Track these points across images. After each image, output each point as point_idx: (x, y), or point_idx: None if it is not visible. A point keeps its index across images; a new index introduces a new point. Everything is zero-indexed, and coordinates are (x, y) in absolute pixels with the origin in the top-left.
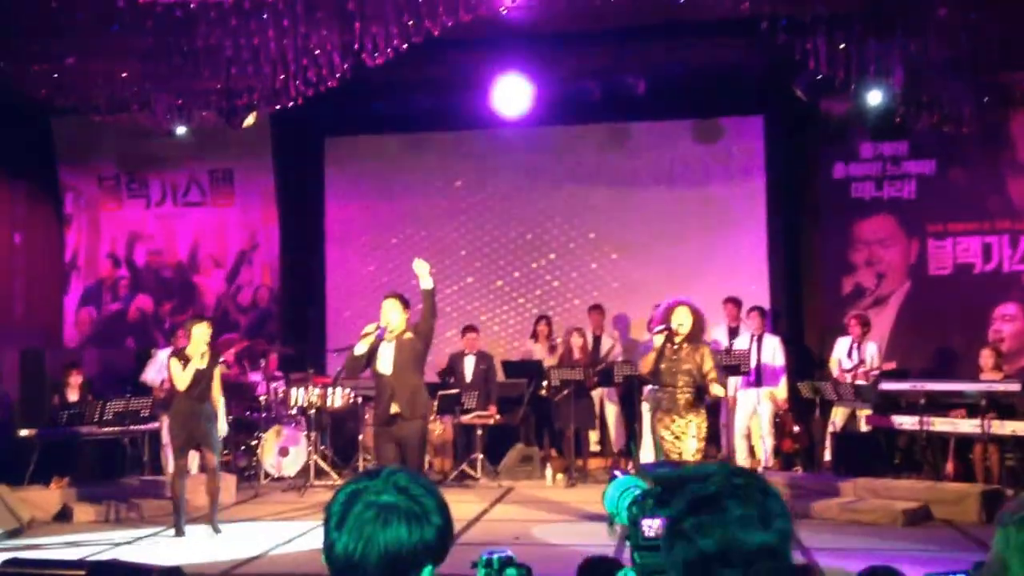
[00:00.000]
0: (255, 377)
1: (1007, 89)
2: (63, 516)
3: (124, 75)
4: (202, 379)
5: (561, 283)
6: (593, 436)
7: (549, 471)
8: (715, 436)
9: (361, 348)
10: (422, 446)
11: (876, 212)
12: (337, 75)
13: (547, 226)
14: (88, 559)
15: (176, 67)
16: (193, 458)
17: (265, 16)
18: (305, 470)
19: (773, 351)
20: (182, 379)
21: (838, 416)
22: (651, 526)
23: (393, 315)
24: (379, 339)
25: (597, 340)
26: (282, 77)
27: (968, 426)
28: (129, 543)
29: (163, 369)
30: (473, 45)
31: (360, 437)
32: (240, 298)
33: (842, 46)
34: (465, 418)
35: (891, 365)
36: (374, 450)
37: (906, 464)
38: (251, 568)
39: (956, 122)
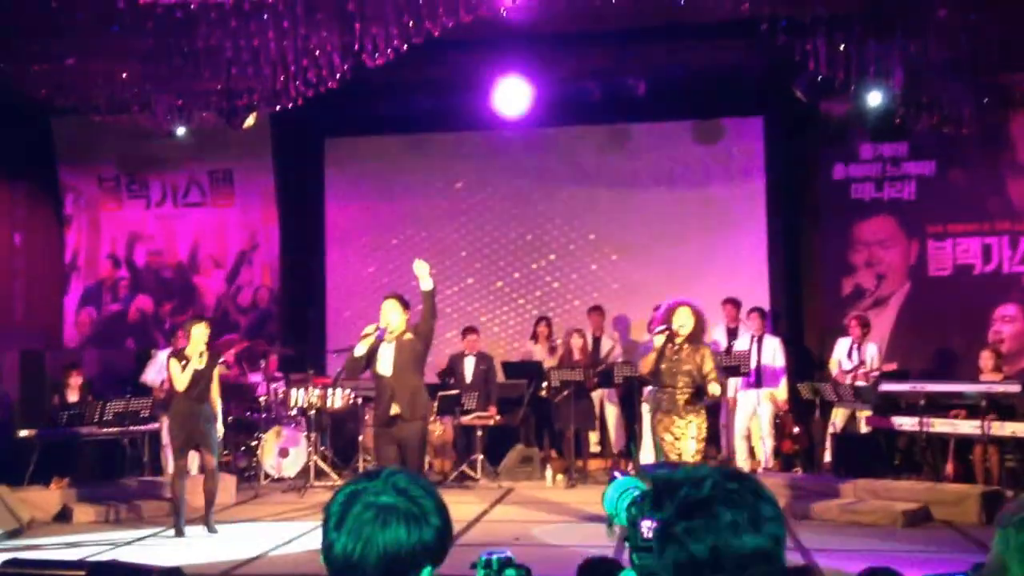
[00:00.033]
0: (255, 378)
1: (1007, 90)
2: (63, 517)
3: (124, 76)
4: (201, 379)
5: (561, 284)
6: (593, 437)
7: (549, 472)
8: (715, 437)
9: (361, 349)
10: (422, 447)
11: (876, 213)
12: (337, 76)
13: (547, 227)
14: (88, 560)
15: (176, 68)
16: (193, 459)
17: (265, 17)
18: (305, 471)
19: (773, 352)
20: (181, 380)
21: (838, 417)
22: (650, 527)
23: (393, 316)
24: (379, 340)
25: (597, 341)
26: (282, 78)
27: (968, 427)
28: (129, 544)
29: (163, 370)
30: (473, 46)
31: (360, 438)
32: (240, 299)
33: (842, 47)
34: (465, 419)
35: (892, 366)
36: (374, 451)
37: (906, 465)
38: (251, 569)
39: (956, 123)
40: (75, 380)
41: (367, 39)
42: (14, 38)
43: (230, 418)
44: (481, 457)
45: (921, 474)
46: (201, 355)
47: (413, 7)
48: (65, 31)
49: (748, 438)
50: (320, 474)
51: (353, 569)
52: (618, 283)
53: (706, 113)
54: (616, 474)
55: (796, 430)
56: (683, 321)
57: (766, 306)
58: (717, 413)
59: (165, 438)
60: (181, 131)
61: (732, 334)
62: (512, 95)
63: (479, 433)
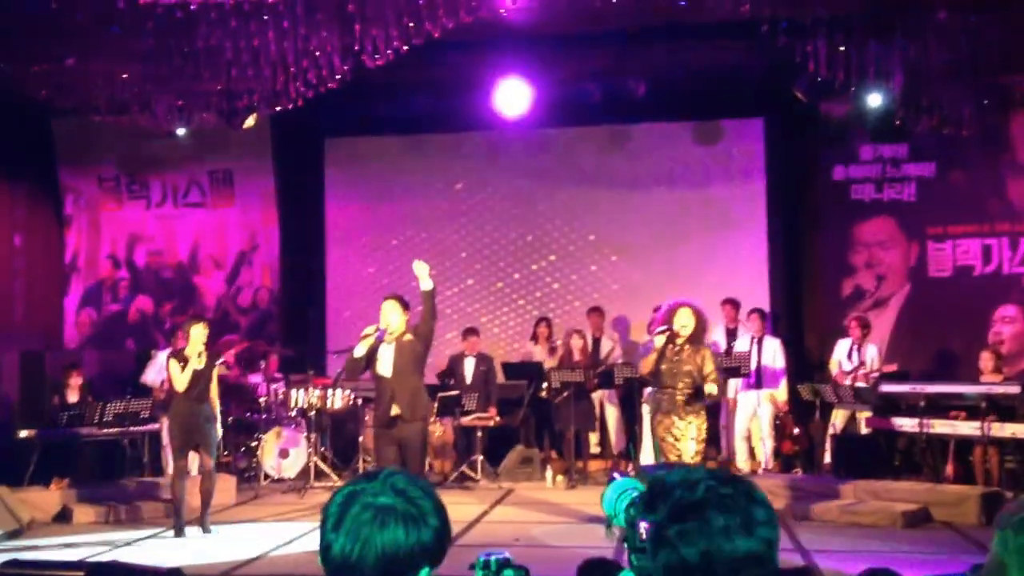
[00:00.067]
0: (255, 378)
1: (1007, 91)
2: (63, 517)
3: (124, 76)
4: (201, 379)
5: (561, 285)
6: (593, 438)
7: (549, 473)
8: (715, 438)
9: (360, 350)
10: (423, 448)
11: (876, 214)
12: (337, 76)
13: (547, 228)
14: (88, 560)
15: (176, 68)
16: (193, 459)
17: (265, 18)
18: (305, 472)
19: (773, 353)
20: (181, 380)
21: (838, 418)
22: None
23: (393, 317)
24: (379, 341)
25: (597, 342)
26: (282, 79)
27: (968, 428)
28: (129, 544)
29: (163, 370)
30: (473, 47)
31: (360, 439)
32: (240, 299)
33: (842, 48)
34: (465, 420)
35: (892, 367)
36: (374, 452)
37: (906, 466)
38: (251, 569)
39: (956, 124)
40: (75, 381)
41: (367, 40)
42: (14, 38)
43: (230, 419)
44: (481, 458)
45: (921, 475)
46: (200, 355)
47: (413, 8)
48: (65, 31)
49: (748, 439)
50: (320, 475)
51: (351, 570)
52: (618, 284)
53: (706, 114)
54: (615, 475)
55: (796, 431)
56: (684, 322)
57: (766, 307)
58: (717, 414)
59: (165, 438)
60: (181, 132)
61: (731, 335)
62: (512, 96)
63: (479, 434)
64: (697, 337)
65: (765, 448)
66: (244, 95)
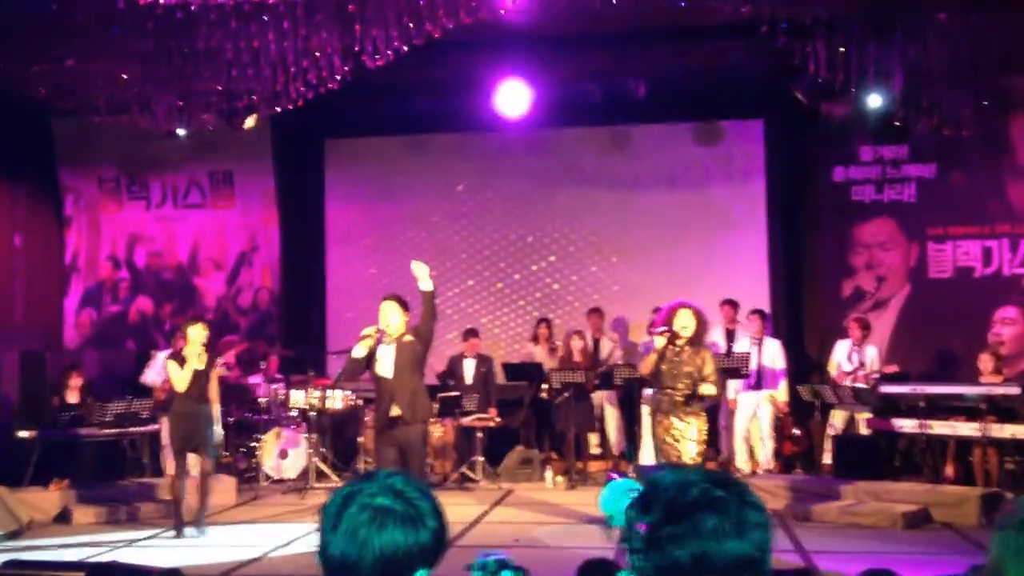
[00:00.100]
0: (255, 379)
1: (1007, 93)
2: (63, 518)
3: (124, 77)
4: (200, 380)
5: (561, 286)
6: (593, 439)
7: (549, 473)
8: (715, 439)
9: (360, 351)
10: (424, 450)
11: (876, 215)
12: (337, 77)
13: (547, 229)
14: (88, 561)
15: (176, 69)
16: (192, 460)
17: (265, 18)
18: (305, 472)
19: (773, 354)
20: (181, 380)
21: (838, 419)
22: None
23: (392, 317)
24: (378, 342)
25: (597, 343)
26: (282, 79)
27: (968, 429)
28: (129, 545)
29: (163, 371)
30: (474, 47)
31: (360, 439)
32: (240, 300)
33: (842, 49)
34: (465, 420)
35: (892, 368)
36: (374, 453)
37: (906, 467)
38: (250, 570)
39: (956, 126)
40: (75, 381)
41: (367, 40)
42: (14, 38)
43: (230, 420)
44: (481, 459)
45: (921, 476)
46: (199, 356)
47: (413, 9)
48: (65, 32)
49: (748, 440)
50: (320, 476)
51: (349, 571)
52: (618, 285)
53: (706, 115)
54: (613, 476)
55: (796, 432)
56: (685, 323)
57: (766, 308)
58: (717, 415)
59: (165, 439)
60: (181, 132)
61: (730, 336)
62: (512, 96)
63: (479, 435)
64: (697, 338)
65: (765, 449)
66: (244, 96)
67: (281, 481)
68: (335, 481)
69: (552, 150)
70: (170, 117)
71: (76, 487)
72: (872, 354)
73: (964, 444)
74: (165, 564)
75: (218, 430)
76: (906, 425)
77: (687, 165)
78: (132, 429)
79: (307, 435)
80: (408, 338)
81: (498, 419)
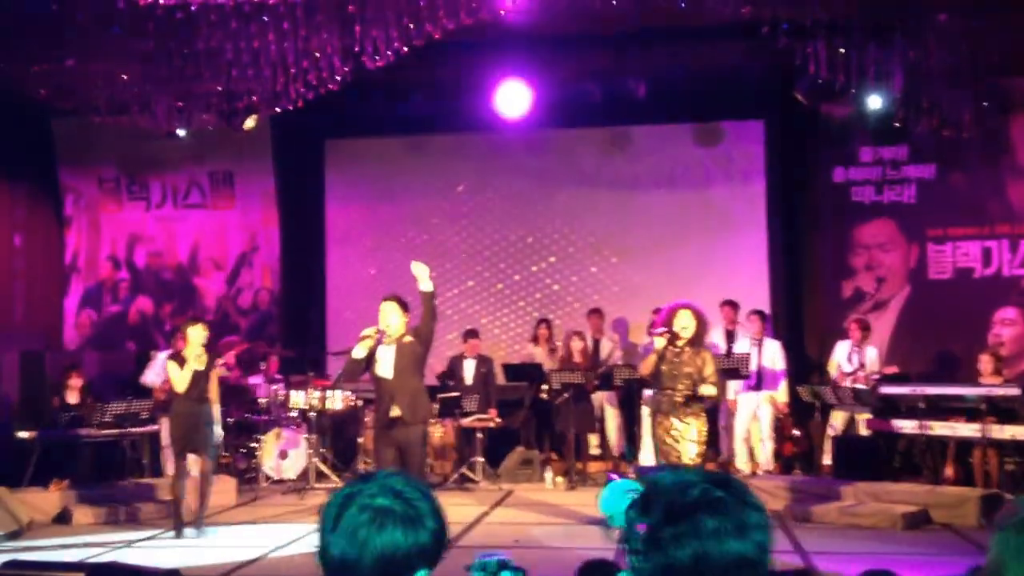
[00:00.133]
0: (255, 380)
1: (1007, 94)
2: (62, 518)
3: (124, 77)
4: (200, 380)
5: (561, 287)
6: (593, 439)
7: (549, 474)
8: (715, 440)
9: (360, 352)
10: (423, 450)
11: (876, 216)
12: (337, 78)
13: (547, 229)
14: (87, 561)
15: (176, 69)
16: (194, 460)
17: (265, 19)
18: (305, 473)
19: (773, 355)
20: (180, 381)
21: (838, 420)
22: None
23: (392, 318)
24: (378, 343)
25: (597, 344)
26: (282, 80)
27: (967, 430)
28: (128, 545)
29: (163, 371)
30: (474, 48)
31: (360, 440)
32: (240, 300)
33: (842, 50)
34: (465, 421)
35: (892, 369)
36: (373, 454)
37: (906, 468)
38: (250, 571)
39: (956, 127)
40: (75, 382)
41: (367, 41)
42: (14, 38)
43: (230, 420)
44: (481, 459)
45: (921, 477)
46: (198, 356)
47: (413, 9)
48: (65, 32)
49: (748, 441)
50: (320, 476)
51: (349, 571)
52: (618, 286)
53: (706, 116)
54: (612, 476)
55: (796, 433)
56: (685, 323)
57: (766, 309)
58: (717, 416)
59: (165, 439)
60: (181, 132)
61: (730, 336)
62: (512, 97)
63: (479, 435)
64: (698, 339)
65: (765, 450)
66: (244, 96)
67: (281, 482)
68: (335, 482)
69: (552, 151)
70: (170, 117)
71: (76, 487)
72: (872, 355)
73: (964, 445)
74: (165, 565)
75: (218, 431)
76: (906, 426)
77: (687, 166)
78: (132, 430)
79: (307, 436)
80: (408, 339)
81: (498, 420)
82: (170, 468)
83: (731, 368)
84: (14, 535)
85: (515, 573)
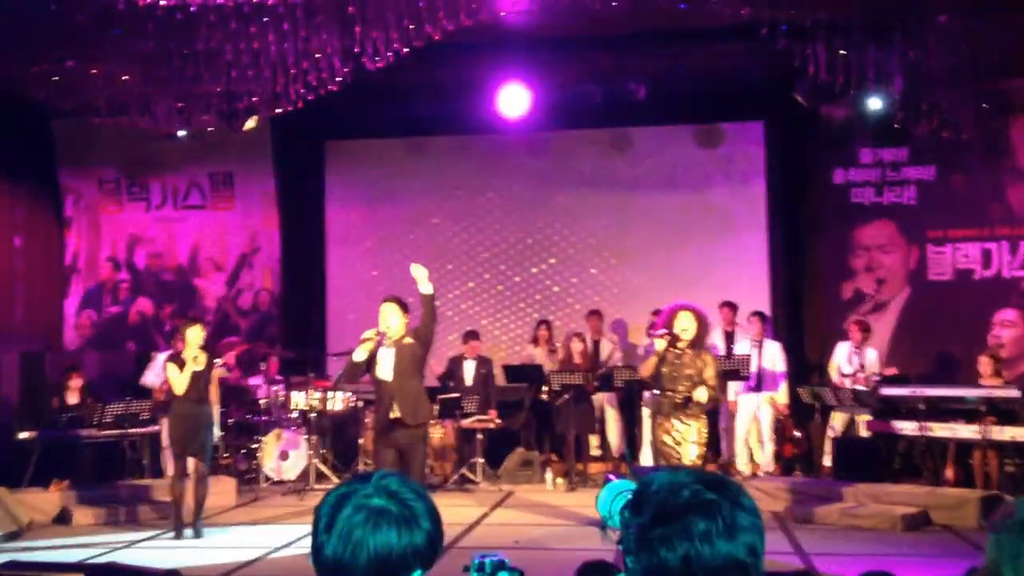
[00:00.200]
0: (255, 381)
1: (1007, 96)
2: (62, 519)
3: (125, 78)
4: (199, 381)
5: (562, 288)
6: (593, 440)
7: (549, 475)
8: (715, 441)
9: (360, 354)
10: (424, 452)
11: (876, 218)
12: (338, 79)
13: (547, 231)
14: (87, 562)
15: (176, 70)
16: (192, 461)
17: (265, 20)
18: (305, 474)
19: (773, 356)
20: (180, 382)
21: (838, 421)
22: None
23: (392, 320)
24: (378, 344)
25: (597, 345)
26: (282, 81)
27: (968, 432)
28: (128, 546)
29: (162, 372)
30: (474, 49)
31: (360, 441)
32: (240, 301)
33: (842, 52)
34: (465, 422)
35: (892, 370)
36: (373, 455)
37: (906, 469)
38: (250, 571)
39: (956, 128)
40: (75, 382)
41: (367, 42)
42: (14, 39)
43: (230, 421)
44: (481, 460)
45: (921, 478)
46: (196, 357)
47: (414, 11)
48: (65, 33)
49: (748, 442)
50: (320, 477)
51: (343, 571)
52: (618, 287)
53: (707, 117)
54: (610, 477)
55: (796, 434)
56: (685, 325)
57: (767, 310)
58: (717, 417)
59: (165, 440)
60: (181, 134)
61: (729, 338)
62: (513, 99)
63: (479, 436)
64: (698, 341)
65: (765, 451)
66: (244, 97)
67: (281, 482)
68: (335, 483)
69: (552, 152)
70: (170, 118)
71: (76, 488)
72: (872, 356)
73: (964, 446)
74: (164, 565)
75: (216, 432)
76: (906, 427)
77: (687, 167)
78: (132, 430)
79: (307, 436)
80: (408, 340)
81: (498, 421)
82: (170, 469)
83: (731, 369)
84: (14, 535)
85: (512, 573)
